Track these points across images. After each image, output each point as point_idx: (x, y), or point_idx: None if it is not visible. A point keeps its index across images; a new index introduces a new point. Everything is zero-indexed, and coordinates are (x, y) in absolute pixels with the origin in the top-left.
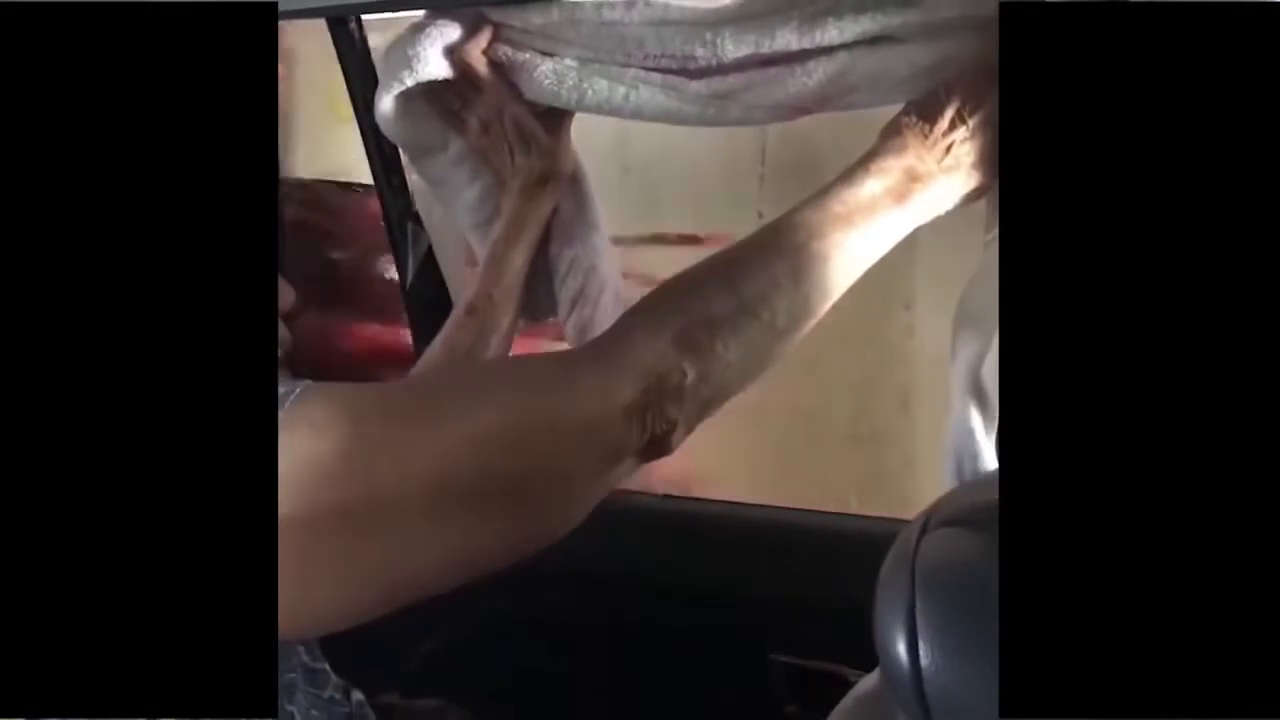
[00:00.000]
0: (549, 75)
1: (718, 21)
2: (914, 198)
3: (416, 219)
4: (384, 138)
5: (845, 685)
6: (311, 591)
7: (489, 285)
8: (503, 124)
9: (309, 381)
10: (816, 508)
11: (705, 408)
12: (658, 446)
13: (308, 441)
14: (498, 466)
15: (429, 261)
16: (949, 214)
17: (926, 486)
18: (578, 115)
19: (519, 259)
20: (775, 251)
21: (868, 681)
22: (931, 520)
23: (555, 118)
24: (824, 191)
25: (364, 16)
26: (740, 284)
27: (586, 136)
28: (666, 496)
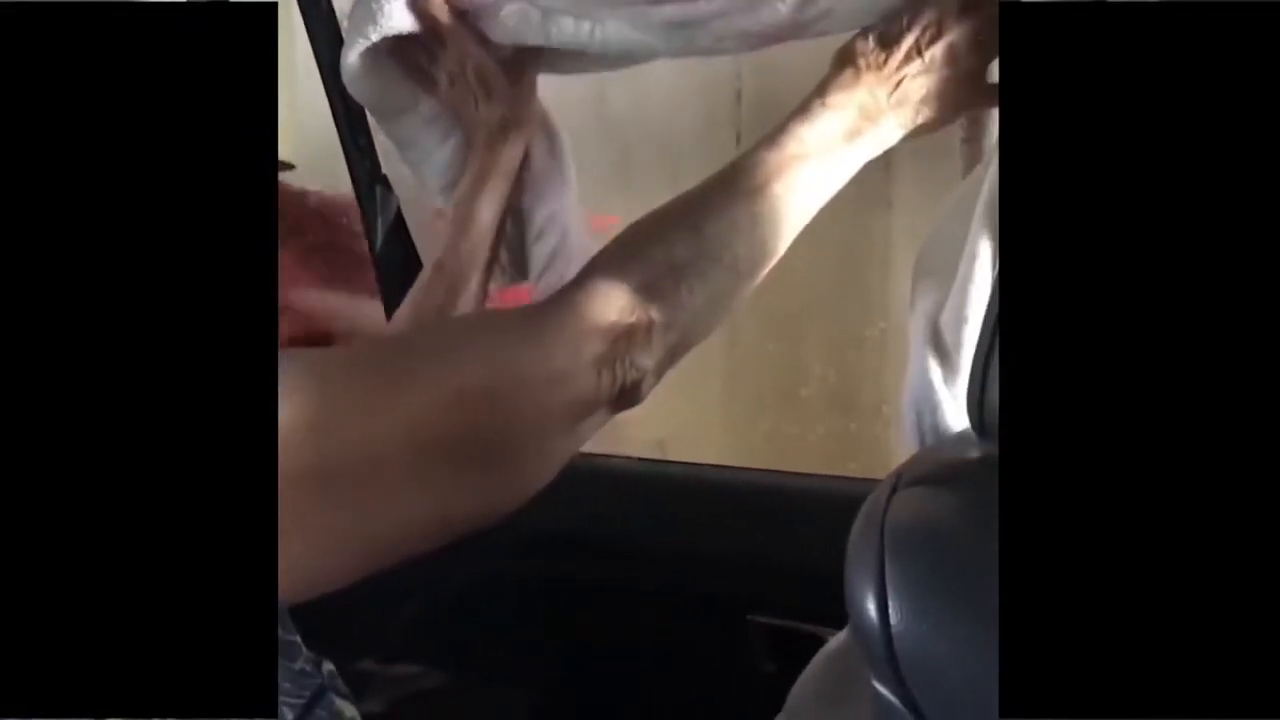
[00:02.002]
0: (514, 16)
1: None
2: (865, 135)
3: (385, 181)
4: (350, 99)
5: (823, 645)
6: (284, 558)
7: (457, 241)
8: (466, 74)
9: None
10: (792, 469)
11: (673, 354)
12: (628, 396)
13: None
14: (467, 423)
15: (398, 225)
16: (929, 168)
17: (901, 447)
18: (553, 79)
19: (487, 213)
20: (734, 194)
21: (837, 640)
22: (901, 480)
23: (517, 65)
24: (780, 130)
25: None
26: (702, 227)
27: (562, 93)
28: (643, 460)
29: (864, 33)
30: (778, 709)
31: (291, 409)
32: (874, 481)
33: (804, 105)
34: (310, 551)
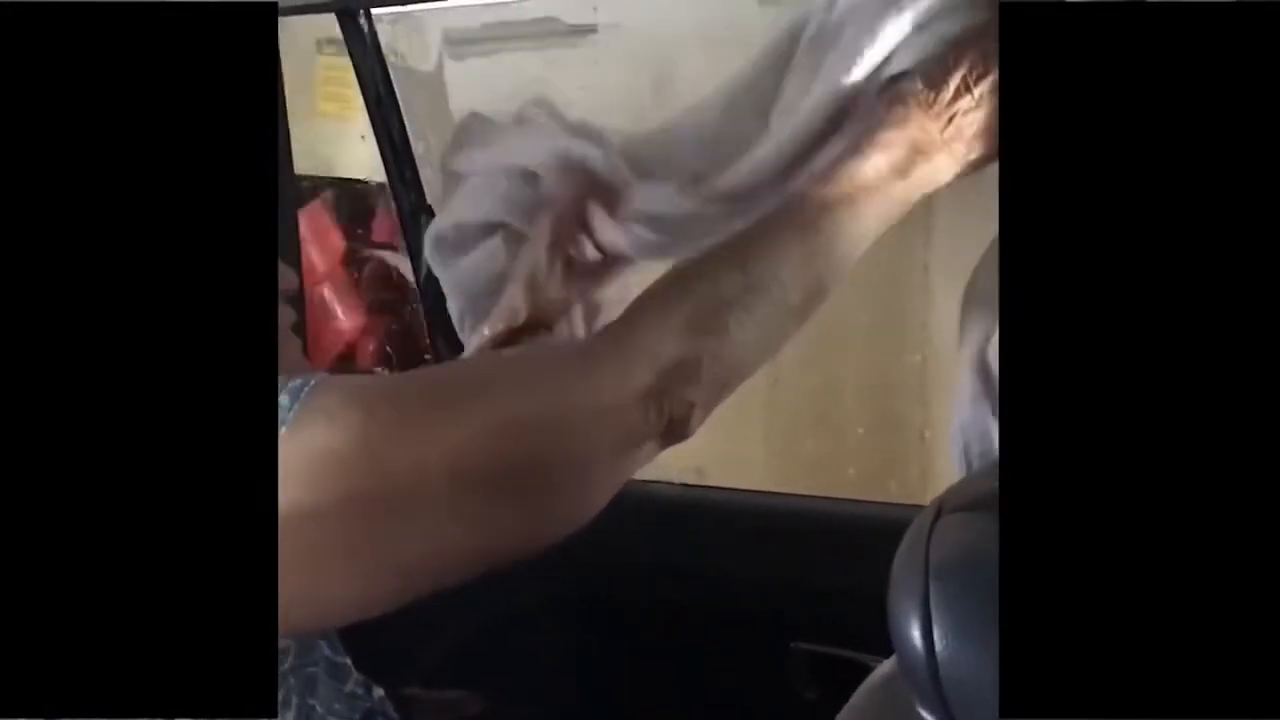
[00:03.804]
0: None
1: None
2: (917, 171)
3: (430, 212)
4: (396, 130)
5: (865, 672)
6: (327, 583)
7: None
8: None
9: (323, 373)
10: (835, 495)
11: (722, 388)
12: (676, 430)
13: (322, 432)
14: (513, 455)
15: None
16: (969, 197)
17: (943, 474)
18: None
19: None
20: (784, 230)
21: (880, 672)
22: (944, 506)
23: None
24: (831, 166)
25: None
26: (750, 264)
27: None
28: (686, 486)
29: (912, 75)
30: None
31: (337, 435)
32: (914, 507)
33: (853, 142)
34: (353, 576)
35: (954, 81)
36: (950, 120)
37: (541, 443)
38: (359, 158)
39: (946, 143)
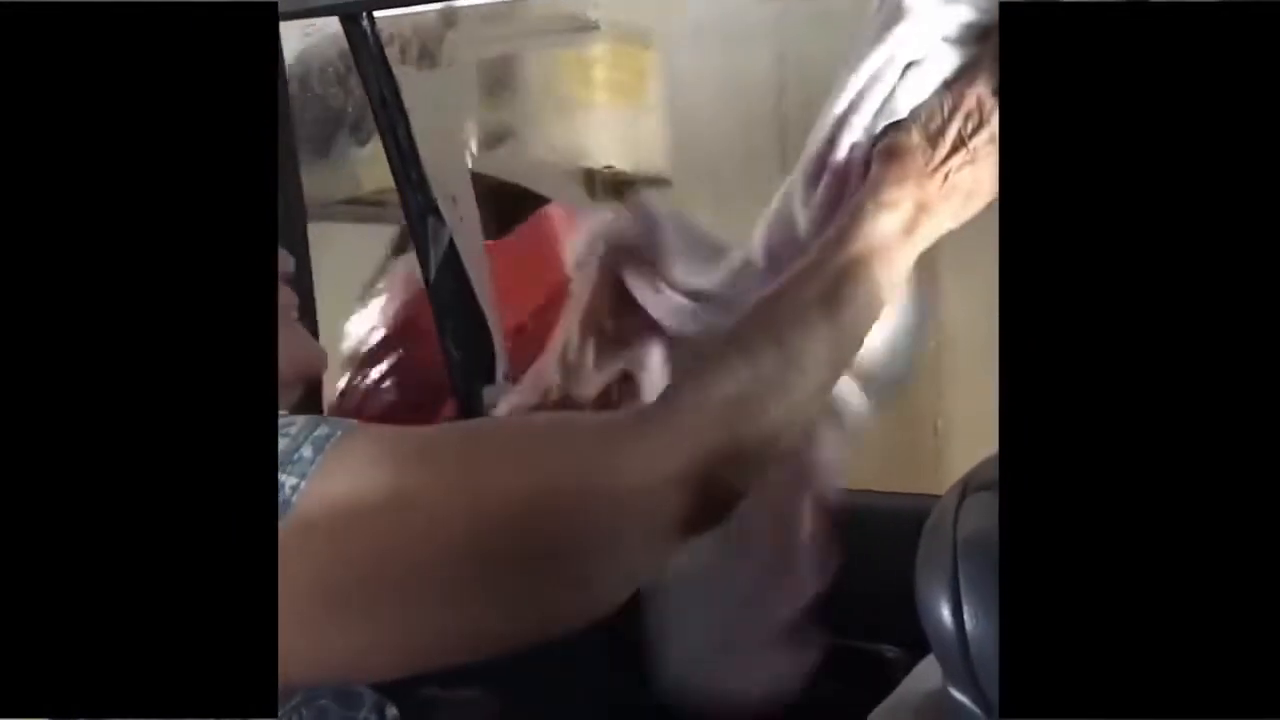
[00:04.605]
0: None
1: None
2: (922, 227)
3: (437, 213)
4: (402, 130)
5: (884, 663)
6: (329, 640)
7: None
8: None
9: (355, 422)
10: (851, 485)
11: (760, 469)
12: (714, 515)
13: (345, 486)
14: (541, 530)
15: (451, 256)
16: None
17: (958, 464)
18: None
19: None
20: (808, 301)
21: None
22: (970, 485)
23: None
24: (841, 231)
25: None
26: (785, 339)
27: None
28: None
29: (907, 127)
30: None
31: (361, 490)
32: (930, 497)
33: (860, 205)
34: (356, 638)
35: (950, 134)
36: (946, 177)
37: (572, 519)
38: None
39: (944, 197)
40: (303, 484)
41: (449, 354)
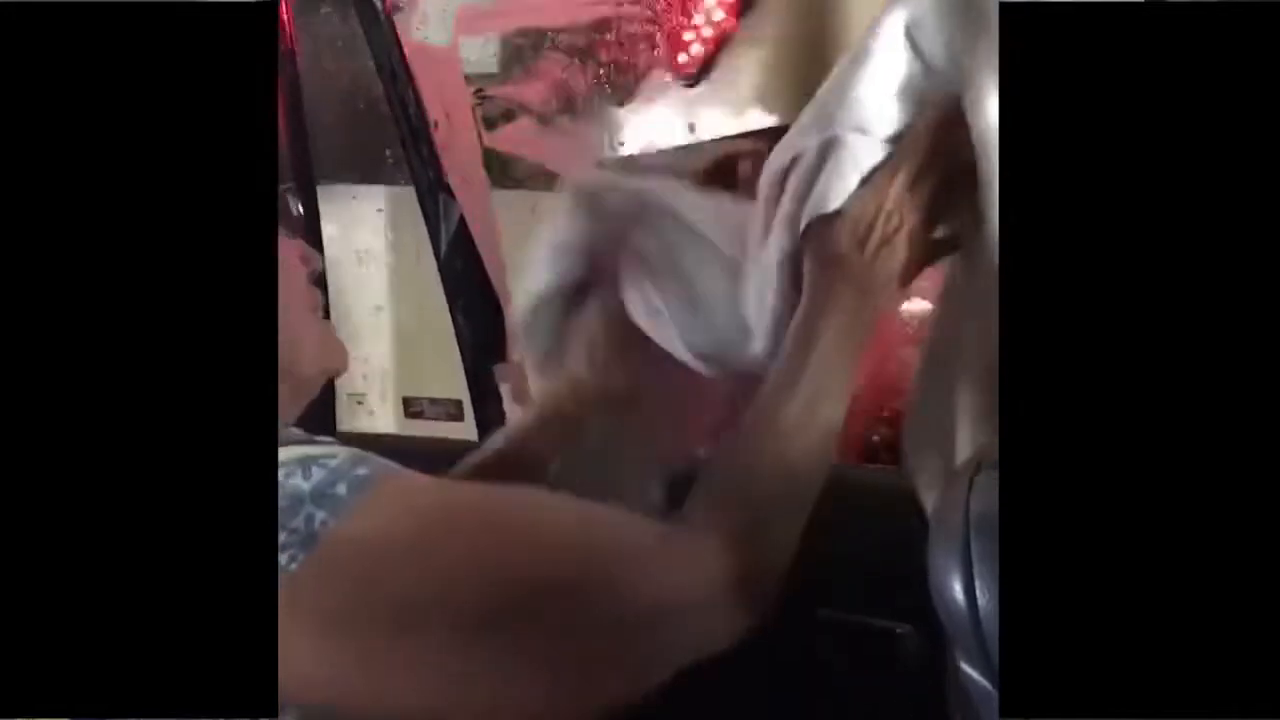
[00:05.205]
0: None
1: None
2: (866, 312)
3: (448, 189)
4: (411, 106)
5: (894, 639)
6: (349, 676)
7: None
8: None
9: (394, 466)
10: (861, 463)
11: (770, 594)
12: (717, 640)
13: (371, 533)
14: (544, 616)
15: (461, 233)
16: None
17: None
18: None
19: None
20: (796, 400)
21: None
22: (984, 461)
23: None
24: (798, 345)
25: None
26: (786, 456)
27: None
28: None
29: (837, 229)
30: (849, 705)
31: (384, 536)
32: None
33: (808, 318)
34: (354, 683)
35: (881, 221)
36: (877, 253)
37: (579, 619)
38: None
39: (880, 288)
40: (332, 522)
41: (459, 331)
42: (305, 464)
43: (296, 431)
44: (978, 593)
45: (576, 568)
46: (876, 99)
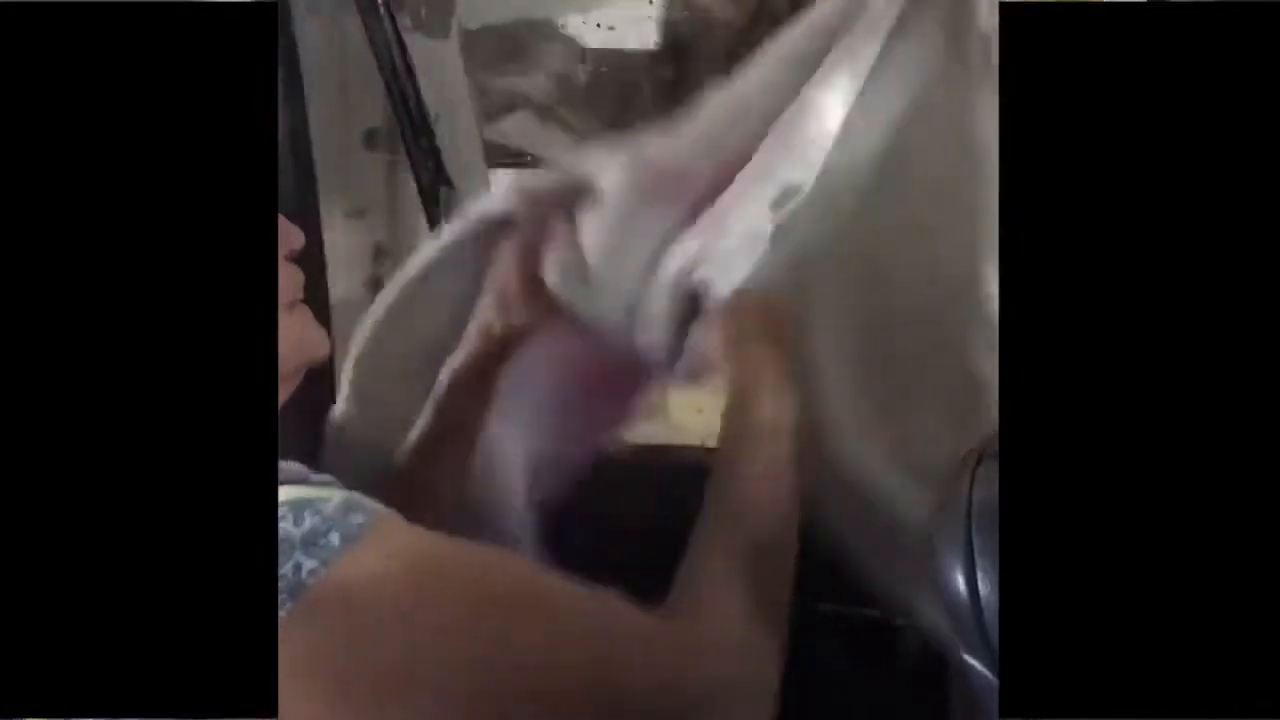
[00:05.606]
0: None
1: None
2: (751, 446)
3: (449, 182)
4: (412, 99)
5: (892, 631)
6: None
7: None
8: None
9: (389, 513)
10: None
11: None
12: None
13: (359, 586)
14: (524, 692)
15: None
16: None
17: None
18: None
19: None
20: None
21: None
22: (986, 451)
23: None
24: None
25: None
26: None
27: None
28: (708, 449)
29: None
30: (850, 698)
31: (372, 593)
32: None
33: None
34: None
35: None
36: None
37: (580, 702)
38: None
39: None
40: (321, 571)
41: None
42: (298, 509)
43: (294, 467)
44: (979, 583)
45: (577, 654)
46: None
